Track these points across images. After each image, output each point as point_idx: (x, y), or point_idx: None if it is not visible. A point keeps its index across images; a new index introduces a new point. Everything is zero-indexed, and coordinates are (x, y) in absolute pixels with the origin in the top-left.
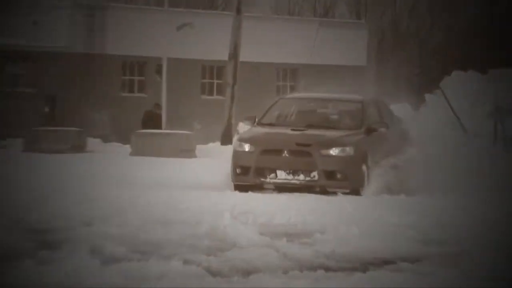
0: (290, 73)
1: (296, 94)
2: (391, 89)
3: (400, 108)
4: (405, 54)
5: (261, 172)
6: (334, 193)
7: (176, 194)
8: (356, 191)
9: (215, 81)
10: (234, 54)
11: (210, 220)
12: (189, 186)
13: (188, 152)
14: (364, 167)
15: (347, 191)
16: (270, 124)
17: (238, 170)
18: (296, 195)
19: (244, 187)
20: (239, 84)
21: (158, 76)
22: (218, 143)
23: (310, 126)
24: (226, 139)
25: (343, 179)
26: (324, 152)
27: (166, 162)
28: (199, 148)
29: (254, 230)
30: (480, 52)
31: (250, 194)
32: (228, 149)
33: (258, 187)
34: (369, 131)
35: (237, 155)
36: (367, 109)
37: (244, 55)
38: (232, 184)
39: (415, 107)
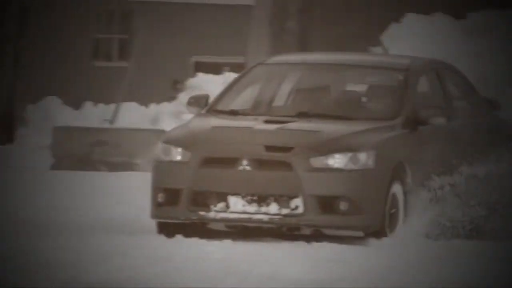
0: (119, 18)
1: (289, 57)
2: (303, 44)
3: None
4: None
5: (202, 199)
6: (340, 239)
7: None
8: (378, 233)
9: None
10: None
11: None
12: None
13: None
14: (396, 189)
15: (361, 234)
16: (232, 112)
17: (160, 197)
18: (261, 246)
19: (173, 227)
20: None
21: None
22: None
23: (303, 115)
24: (3, 135)
25: (352, 213)
26: (316, 162)
27: None
28: None
29: None
30: None
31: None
32: (10, 154)
33: (199, 228)
34: (413, 123)
35: (160, 169)
36: (414, 83)
37: None
38: (154, 222)
39: None
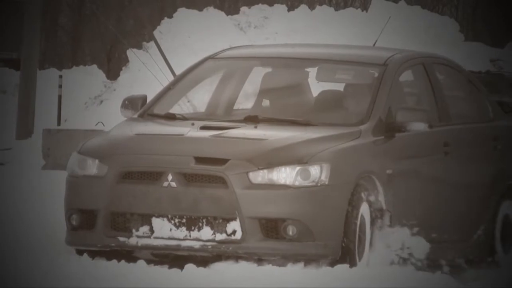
0: None
1: (243, 50)
2: (76, 40)
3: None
4: None
5: (121, 223)
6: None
7: None
8: (341, 261)
9: None
10: None
11: None
12: None
13: None
14: (364, 210)
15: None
16: (167, 116)
17: (74, 219)
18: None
19: (94, 254)
20: None
21: None
22: None
23: (252, 120)
24: None
25: (301, 239)
26: (256, 177)
27: None
28: None
29: None
30: None
31: None
32: None
33: (122, 255)
34: (388, 129)
35: (74, 186)
36: (391, 81)
37: None
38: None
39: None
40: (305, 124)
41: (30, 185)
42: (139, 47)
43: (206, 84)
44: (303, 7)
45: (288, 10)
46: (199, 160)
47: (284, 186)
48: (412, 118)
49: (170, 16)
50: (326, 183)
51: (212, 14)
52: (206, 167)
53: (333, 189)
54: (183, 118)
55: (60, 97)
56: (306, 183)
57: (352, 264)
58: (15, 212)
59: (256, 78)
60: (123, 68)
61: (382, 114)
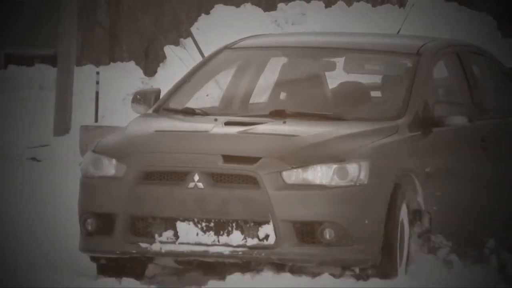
0: None
1: (263, 39)
2: (114, 37)
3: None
4: None
5: (142, 227)
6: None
7: None
8: (380, 270)
9: None
10: None
11: None
12: None
13: None
14: (403, 213)
15: (355, 268)
16: (186, 112)
17: (89, 224)
18: None
19: (111, 264)
20: None
21: None
22: None
23: (279, 114)
24: None
25: (339, 243)
26: (290, 177)
27: None
28: None
29: None
30: None
31: None
32: None
33: (141, 265)
34: (425, 124)
35: (89, 188)
36: (427, 72)
37: None
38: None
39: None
40: (337, 119)
41: (67, 182)
42: (177, 43)
43: (223, 75)
44: (340, 4)
45: (325, 7)
46: (228, 158)
47: (320, 186)
48: (450, 111)
49: (207, 13)
50: (365, 182)
51: (249, 10)
52: (235, 166)
53: (372, 189)
54: (204, 113)
55: (97, 93)
56: (343, 182)
57: (393, 269)
58: (51, 208)
59: (276, 68)
60: (161, 64)
61: (419, 108)
